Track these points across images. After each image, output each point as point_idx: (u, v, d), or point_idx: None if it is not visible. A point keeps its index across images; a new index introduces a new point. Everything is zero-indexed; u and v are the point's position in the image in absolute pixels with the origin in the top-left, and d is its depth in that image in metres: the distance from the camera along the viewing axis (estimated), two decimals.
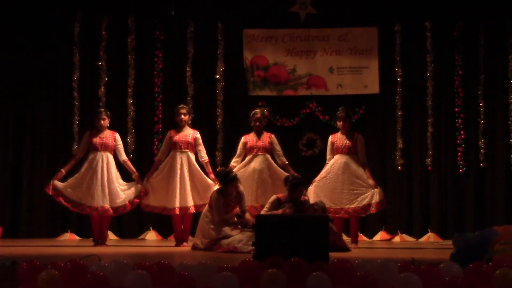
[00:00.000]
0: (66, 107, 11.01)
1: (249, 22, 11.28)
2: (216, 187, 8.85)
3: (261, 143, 9.21)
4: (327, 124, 10.93)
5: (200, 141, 9.30)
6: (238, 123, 10.64)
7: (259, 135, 9.28)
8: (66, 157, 10.20)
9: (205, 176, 9.17)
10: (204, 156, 9.28)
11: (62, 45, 11.03)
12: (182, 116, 9.28)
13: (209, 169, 9.28)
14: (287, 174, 8.97)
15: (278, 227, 6.10)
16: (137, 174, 9.23)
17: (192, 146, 9.23)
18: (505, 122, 10.84)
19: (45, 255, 6.84)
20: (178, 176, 9.07)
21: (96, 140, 9.10)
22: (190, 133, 9.29)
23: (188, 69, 11.12)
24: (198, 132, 9.36)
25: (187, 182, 9.07)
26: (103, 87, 11.00)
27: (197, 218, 8.95)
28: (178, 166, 9.10)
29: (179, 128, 9.30)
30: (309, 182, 9.01)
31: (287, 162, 9.26)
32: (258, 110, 9.46)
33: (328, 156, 9.13)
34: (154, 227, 10.81)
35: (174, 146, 9.20)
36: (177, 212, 9.05)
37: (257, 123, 9.28)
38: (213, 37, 11.17)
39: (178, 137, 9.21)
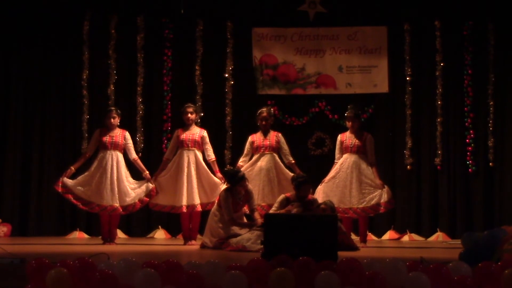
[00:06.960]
0: (75, 106, 11.05)
1: (258, 21, 11.27)
2: (222, 185, 8.86)
3: (268, 142, 9.19)
4: (336, 123, 10.92)
5: (207, 139, 9.28)
6: (247, 122, 10.61)
7: (266, 134, 9.26)
8: (75, 155, 10.27)
9: (212, 175, 9.16)
10: (211, 155, 9.26)
11: (71, 44, 11.06)
12: (189, 115, 9.27)
13: (216, 167, 9.26)
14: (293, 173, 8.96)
15: (287, 226, 6.09)
16: (147, 172, 9.19)
17: (199, 144, 9.22)
18: None
19: (54, 253, 6.86)
20: (185, 174, 9.06)
21: (106, 138, 9.09)
22: (197, 132, 9.28)
23: (197, 67, 11.13)
24: (205, 131, 9.35)
25: (194, 180, 9.06)
26: (112, 86, 11.03)
27: (205, 216, 8.95)
28: (185, 165, 9.09)
29: (186, 126, 9.29)
30: (318, 181, 9.01)
31: (293, 161, 9.23)
32: (265, 109, 9.41)
33: (336, 155, 9.11)
34: (163, 226, 10.84)
35: (181, 145, 9.19)
36: (185, 210, 9.04)
37: (264, 122, 9.25)
38: (222, 35, 11.18)
39: (185, 135, 9.20)
